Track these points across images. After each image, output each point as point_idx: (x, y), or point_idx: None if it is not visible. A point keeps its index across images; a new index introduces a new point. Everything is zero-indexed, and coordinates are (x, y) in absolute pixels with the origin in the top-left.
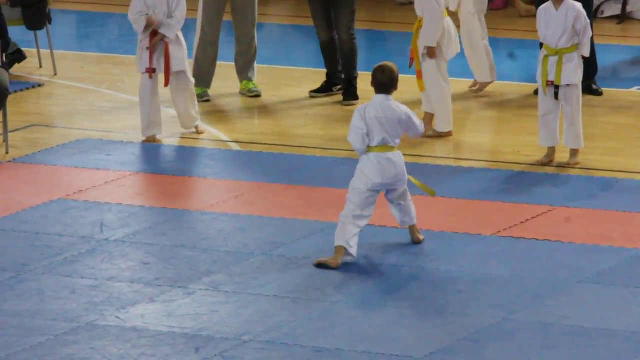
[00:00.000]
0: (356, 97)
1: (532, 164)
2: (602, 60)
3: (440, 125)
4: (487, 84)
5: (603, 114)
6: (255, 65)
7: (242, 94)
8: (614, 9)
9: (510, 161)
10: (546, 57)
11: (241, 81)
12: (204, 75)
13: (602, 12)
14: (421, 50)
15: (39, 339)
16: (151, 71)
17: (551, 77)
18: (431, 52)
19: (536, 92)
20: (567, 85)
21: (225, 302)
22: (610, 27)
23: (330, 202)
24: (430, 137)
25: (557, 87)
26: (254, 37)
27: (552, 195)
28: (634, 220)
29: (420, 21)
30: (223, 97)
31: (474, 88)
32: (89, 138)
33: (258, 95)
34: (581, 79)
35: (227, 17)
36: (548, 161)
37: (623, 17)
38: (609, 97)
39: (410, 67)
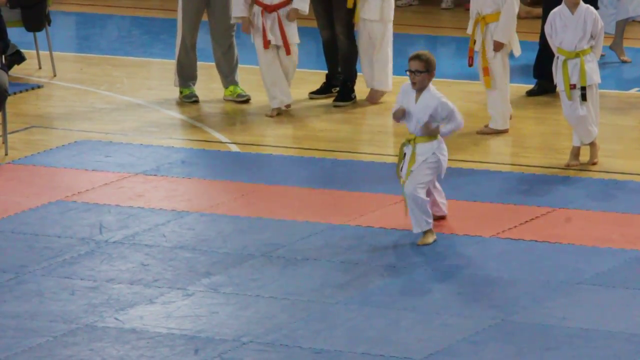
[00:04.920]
0: (347, 100)
1: (531, 166)
2: (601, 62)
3: (498, 123)
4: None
5: (603, 115)
6: (237, 68)
7: (226, 100)
8: None
9: (510, 163)
10: (565, 61)
11: (226, 87)
12: (189, 76)
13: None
14: (490, 46)
15: (38, 340)
16: (267, 43)
17: (573, 80)
18: (499, 47)
19: (529, 94)
20: (589, 85)
21: (224, 303)
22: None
23: (329, 203)
24: (483, 132)
25: (583, 89)
26: (233, 40)
27: (551, 196)
28: (633, 222)
29: (484, 18)
30: (221, 98)
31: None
32: (88, 139)
33: (248, 100)
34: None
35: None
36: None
37: None
38: (609, 99)
39: (470, 65)
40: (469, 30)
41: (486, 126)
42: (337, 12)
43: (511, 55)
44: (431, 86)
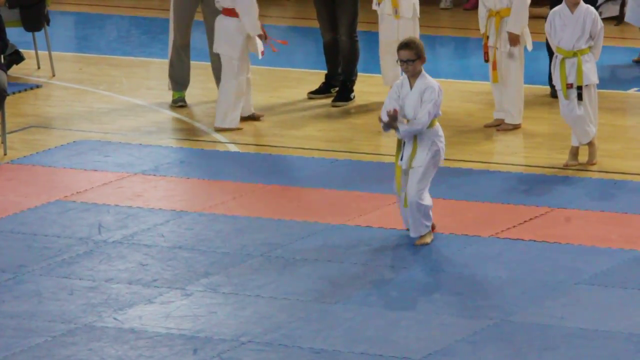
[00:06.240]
0: (346, 100)
1: (529, 165)
2: (600, 62)
3: (515, 117)
4: None
5: (601, 115)
6: None
7: None
8: (611, 10)
9: (508, 162)
10: (563, 60)
11: None
12: (181, 79)
13: (601, 13)
14: (505, 40)
15: (37, 340)
16: None
17: (570, 80)
18: (515, 39)
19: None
20: (586, 85)
21: (223, 303)
22: (608, 29)
23: (328, 203)
24: (502, 130)
25: (579, 88)
26: None
27: (550, 196)
28: (632, 222)
29: (498, 12)
30: None
31: None
32: (87, 139)
33: None
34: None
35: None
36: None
37: (621, 19)
38: (607, 99)
39: (486, 60)
40: (482, 30)
41: (498, 124)
42: (340, 14)
43: (510, 55)
44: (425, 73)
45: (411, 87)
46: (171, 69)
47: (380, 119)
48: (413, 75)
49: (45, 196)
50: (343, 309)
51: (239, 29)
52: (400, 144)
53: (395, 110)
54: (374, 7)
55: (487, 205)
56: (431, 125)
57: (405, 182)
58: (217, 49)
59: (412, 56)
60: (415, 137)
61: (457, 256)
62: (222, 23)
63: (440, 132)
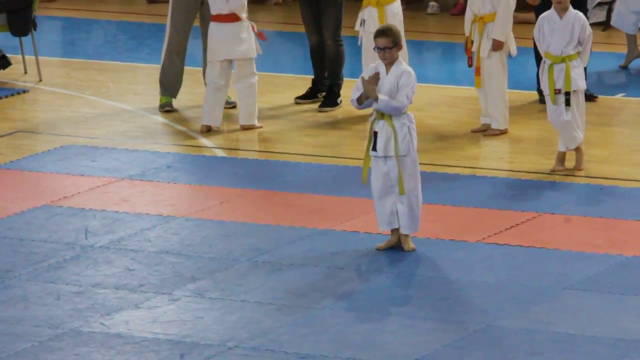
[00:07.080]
0: (333, 105)
1: (516, 171)
2: (586, 67)
3: (500, 122)
4: None
5: (588, 121)
6: None
7: None
8: (598, 16)
9: (496, 168)
10: (551, 65)
11: None
12: (170, 84)
13: (587, 19)
14: (487, 45)
15: (24, 345)
16: None
17: (558, 85)
18: (499, 46)
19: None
20: (574, 90)
21: (210, 308)
22: (595, 34)
23: (315, 208)
24: (489, 135)
25: (567, 94)
26: None
27: (537, 201)
28: (618, 227)
29: (482, 18)
30: None
31: None
32: (73, 144)
33: (234, 106)
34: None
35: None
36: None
37: (608, 24)
38: (594, 104)
39: (470, 65)
40: (467, 33)
41: (485, 129)
42: (325, 17)
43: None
44: (401, 60)
45: (387, 74)
46: (162, 73)
47: (360, 84)
48: (390, 63)
49: (31, 201)
50: (330, 314)
51: (245, 29)
52: (371, 135)
53: (377, 73)
54: (357, 28)
55: (474, 211)
56: (404, 111)
57: (379, 172)
58: (231, 54)
59: (389, 44)
60: (392, 124)
61: (444, 261)
62: (226, 29)
63: (413, 120)
